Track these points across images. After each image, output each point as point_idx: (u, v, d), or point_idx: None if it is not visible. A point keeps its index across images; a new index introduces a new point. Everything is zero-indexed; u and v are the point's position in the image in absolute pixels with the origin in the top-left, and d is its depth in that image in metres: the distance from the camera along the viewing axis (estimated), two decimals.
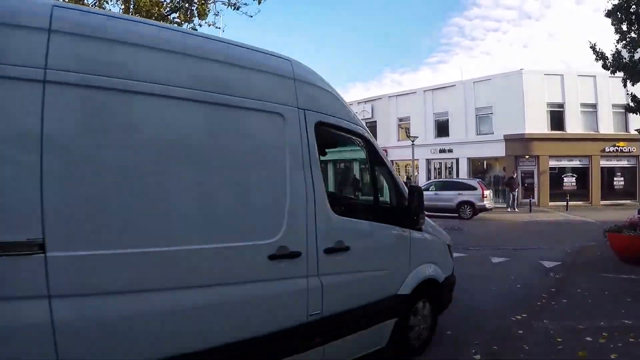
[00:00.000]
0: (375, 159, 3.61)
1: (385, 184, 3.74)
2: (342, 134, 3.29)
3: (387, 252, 3.48)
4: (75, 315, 1.87)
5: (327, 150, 3.48)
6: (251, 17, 9.60)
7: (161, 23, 2.37)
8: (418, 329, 3.70)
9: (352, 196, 3.40)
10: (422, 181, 24.18)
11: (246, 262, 2.47)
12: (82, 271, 1.92)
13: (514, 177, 20.90)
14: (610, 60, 9.74)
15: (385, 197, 3.82)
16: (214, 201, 2.43)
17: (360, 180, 3.36)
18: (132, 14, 8.96)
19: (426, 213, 3.83)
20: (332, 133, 3.19)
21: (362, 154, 3.59)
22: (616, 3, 9.39)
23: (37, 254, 1.79)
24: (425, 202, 3.75)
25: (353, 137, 3.41)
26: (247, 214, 2.53)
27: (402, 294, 3.49)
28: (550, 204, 22.14)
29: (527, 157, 23.10)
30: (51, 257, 1.82)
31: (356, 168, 3.11)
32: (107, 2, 9.31)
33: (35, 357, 1.78)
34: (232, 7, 9.64)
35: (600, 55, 9.87)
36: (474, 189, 16.96)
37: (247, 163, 2.59)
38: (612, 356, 3.62)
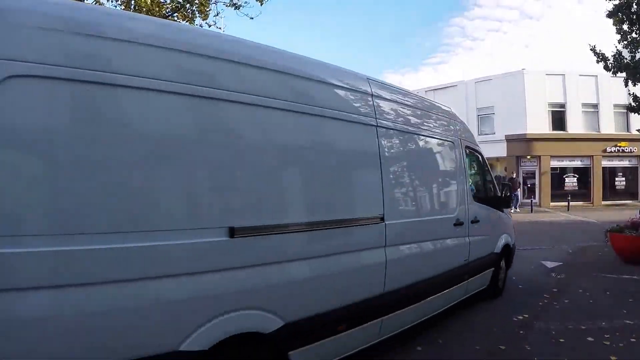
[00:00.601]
0: (485, 166, 5.68)
1: (488, 182, 5.76)
2: (471, 151, 5.22)
3: (491, 224, 5.36)
4: (395, 255, 3.37)
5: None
6: (252, 18, 9.60)
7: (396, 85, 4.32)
8: (501, 277, 5.65)
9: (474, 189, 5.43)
10: None
11: (445, 227, 4.25)
12: (396, 231, 3.40)
13: (514, 177, 20.89)
14: (611, 61, 9.72)
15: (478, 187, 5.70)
16: (434, 190, 4.33)
17: (477, 179, 5.63)
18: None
19: None
20: (468, 152, 5.06)
21: (478, 163, 5.61)
22: (617, 3, 9.38)
23: (381, 223, 3.27)
24: None
25: (475, 153, 5.43)
26: (447, 199, 4.49)
27: (496, 252, 5.43)
28: (552, 204, 22.11)
29: (528, 157, 23.08)
30: (388, 224, 3.31)
31: (475, 172, 4.42)
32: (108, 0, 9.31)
33: (376, 281, 3.23)
34: (233, 7, 9.62)
35: (601, 57, 9.85)
36: None
37: (446, 171, 4.54)
38: (613, 358, 3.62)
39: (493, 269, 5.34)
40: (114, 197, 2.01)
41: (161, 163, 2.17)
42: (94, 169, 1.97)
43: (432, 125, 4.35)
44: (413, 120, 3.99)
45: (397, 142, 3.70)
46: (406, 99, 4.03)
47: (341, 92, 3.18)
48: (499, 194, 5.79)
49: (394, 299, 3.36)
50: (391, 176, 3.50)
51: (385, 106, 3.57)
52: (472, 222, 4.68)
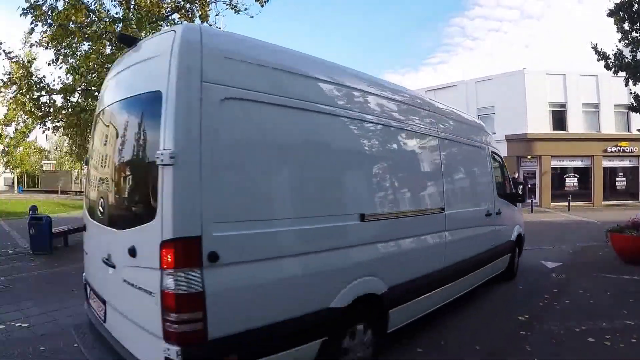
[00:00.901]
0: (503, 167, 6.61)
1: (506, 180, 6.65)
2: (494, 155, 6.13)
3: (509, 216, 6.31)
4: (451, 238, 4.36)
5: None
6: (252, 17, 9.63)
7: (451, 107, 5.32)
8: (515, 262, 6.63)
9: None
10: None
11: (479, 216, 5.24)
12: (452, 219, 4.39)
13: (516, 177, 20.84)
14: (612, 59, 9.68)
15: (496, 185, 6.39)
16: (473, 187, 5.36)
17: (498, 178, 6.32)
18: (133, 14, 8.95)
19: None
20: (493, 156, 6.03)
21: (499, 164, 6.41)
22: (618, 2, 9.34)
23: (442, 212, 4.26)
24: None
25: (497, 157, 6.29)
26: (481, 195, 5.48)
27: (512, 240, 6.41)
28: (552, 204, 22.08)
29: (529, 157, 23.04)
30: (446, 213, 4.29)
31: (496, 172, 5.82)
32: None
33: (440, 257, 4.22)
34: (233, 10, 9.66)
35: (602, 56, 9.81)
36: None
37: (480, 172, 5.51)
38: (615, 358, 3.60)
39: (510, 254, 6.34)
40: (306, 192, 2.84)
41: (330, 171, 3.05)
42: (285, 173, 2.75)
43: (470, 136, 5.39)
44: (457, 131, 5.00)
45: (449, 149, 4.73)
46: (452, 114, 5.10)
47: (423, 113, 4.31)
48: (514, 191, 6.73)
49: (450, 272, 4.37)
50: (448, 175, 4.49)
51: (441, 121, 4.60)
52: (497, 213, 5.70)
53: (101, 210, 3.02)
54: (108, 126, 3.17)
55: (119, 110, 2.97)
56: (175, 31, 2.41)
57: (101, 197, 3.06)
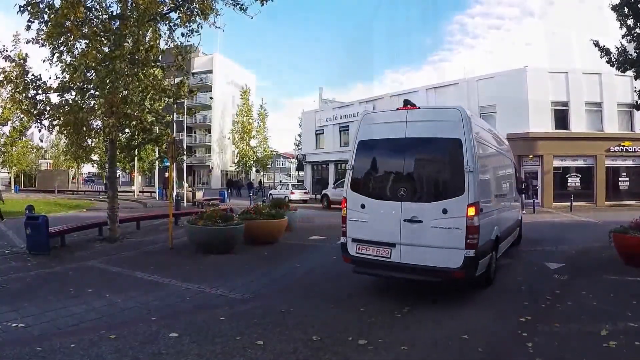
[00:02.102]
0: (516, 169, 9.98)
1: (517, 178, 9.71)
2: (513, 163, 9.54)
3: (519, 202, 10.01)
4: (507, 211, 8.09)
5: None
6: (252, 18, 9.50)
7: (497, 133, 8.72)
8: (520, 236, 9.90)
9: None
10: None
11: (512, 200, 8.73)
12: (507, 199, 8.15)
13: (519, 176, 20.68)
14: (614, 55, 9.56)
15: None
16: (510, 183, 8.67)
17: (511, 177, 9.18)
18: (130, 11, 8.86)
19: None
20: (513, 163, 9.59)
21: (514, 168, 9.51)
22: None
23: (505, 196, 7.96)
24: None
25: (514, 164, 9.69)
26: (512, 188, 8.82)
27: (519, 219, 9.83)
28: (554, 204, 21.94)
29: (530, 156, 22.90)
30: (506, 196, 8.12)
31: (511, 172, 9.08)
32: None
33: (507, 219, 7.92)
34: (240, 9, 9.52)
35: (605, 52, 9.70)
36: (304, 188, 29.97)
37: (511, 174, 8.85)
38: None
39: (519, 227, 9.63)
40: (490, 185, 6.38)
41: (495, 175, 6.89)
42: (488, 175, 6.35)
43: (509, 154, 8.88)
44: (505, 151, 8.46)
45: (504, 160, 8.13)
46: (505, 141, 9.03)
47: (504, 144, 8.86)
48: (520, 186, 10.11)
49: (510, 230, 7.90)
50: (504, 178, 7.83)
51: (504, 146, 8.64)
52: (516, 200, 9.07)
53: (402, 194, 5.43)
54: (398, 149, 5.72)
55: (421, 143, 5.61)
56: (459, 110, 5.36)
57: (402, 187, 5.48)
